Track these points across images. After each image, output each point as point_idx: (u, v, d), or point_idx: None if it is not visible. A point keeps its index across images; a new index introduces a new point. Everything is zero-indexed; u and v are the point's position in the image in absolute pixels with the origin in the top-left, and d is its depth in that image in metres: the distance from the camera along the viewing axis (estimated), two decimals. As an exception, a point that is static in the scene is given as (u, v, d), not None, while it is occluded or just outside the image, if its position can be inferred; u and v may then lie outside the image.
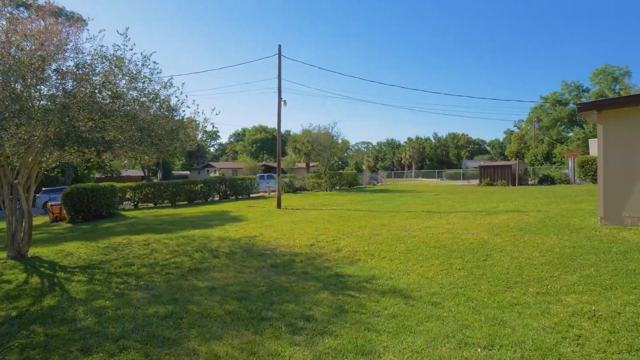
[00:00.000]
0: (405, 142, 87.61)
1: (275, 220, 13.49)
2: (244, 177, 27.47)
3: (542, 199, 15.61)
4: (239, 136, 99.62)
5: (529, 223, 9.52)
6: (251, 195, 27.25)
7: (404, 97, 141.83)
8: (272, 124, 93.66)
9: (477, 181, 30.99)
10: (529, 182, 28.18)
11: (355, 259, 7.16)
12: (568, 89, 65.82)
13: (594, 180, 24.52)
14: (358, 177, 35.31)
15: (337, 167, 57.39)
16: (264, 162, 71.08)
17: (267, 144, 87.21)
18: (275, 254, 7.85)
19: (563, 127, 67.66)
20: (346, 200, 20.54)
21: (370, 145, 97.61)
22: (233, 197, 26.03)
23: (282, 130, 18.37)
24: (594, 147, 13.81)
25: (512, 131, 75.67)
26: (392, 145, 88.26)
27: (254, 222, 12.94)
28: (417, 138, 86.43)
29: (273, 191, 29.76)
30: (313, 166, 35.19)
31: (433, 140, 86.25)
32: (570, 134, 65.79)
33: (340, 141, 29.97)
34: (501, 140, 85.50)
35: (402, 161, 78.40)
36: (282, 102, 18.29)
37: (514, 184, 26.50)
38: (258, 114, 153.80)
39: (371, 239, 8.78)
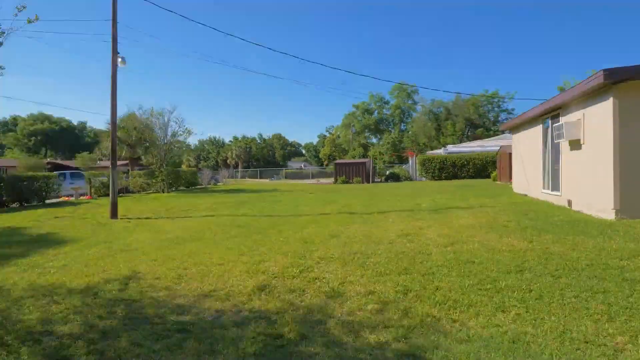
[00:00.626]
0: (231, 141, 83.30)
1: (129, 238, 8.08)
2: (36, 176, 18.52)
3: (438, 195, 14.83)
4: (7, 126, 75.29)
5: (518, 222, 7.64)
6: (48, 202, 18.53)
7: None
8: (59, 112, 73.33)
9: (328, 179, 30.14)
10: (377, 180, 28.90)
11: (398, 312, 3.44)
12: (374, 99, 74.93)
13: (434, 177, 26.61)
14: (198, 175, 29.67)
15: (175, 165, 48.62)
16: (49, 159, 54.69)
17: (53, 138, 68.44)
18: (232, 331, 3.34)
19: (369, 133, 76.77)
20: (207, 203, 15.61)
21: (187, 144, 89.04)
22: (16, 205, 17.10)
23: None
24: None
25: (325, 135, 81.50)
26: (217, 144, 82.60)
27: (93, 246, 7.26)
28: (244, 137, 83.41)
29: (82, 194, 21.36)
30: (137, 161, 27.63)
31: (259, 140, 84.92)
32: (374, 140, 75.17)
33: (185, 129, 23.82)
34: (315, 143, 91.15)
35: (228, 161, 73.82)
36: (120, 60, 12.14)
37: (367, 182, 26.51)
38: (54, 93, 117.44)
39: (364, 263, 5.13)
